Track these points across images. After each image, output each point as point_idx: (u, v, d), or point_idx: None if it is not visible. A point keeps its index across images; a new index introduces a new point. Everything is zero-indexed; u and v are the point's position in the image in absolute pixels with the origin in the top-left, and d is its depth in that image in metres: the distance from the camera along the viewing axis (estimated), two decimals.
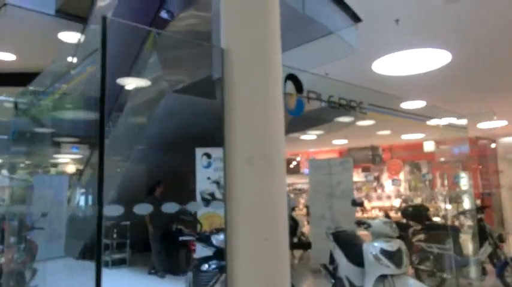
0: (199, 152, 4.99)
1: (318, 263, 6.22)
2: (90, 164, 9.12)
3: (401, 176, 13.51)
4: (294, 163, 14.14)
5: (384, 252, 3.25)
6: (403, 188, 13.23)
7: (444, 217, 7.89)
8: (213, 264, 2.72)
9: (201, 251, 4.75)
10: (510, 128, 9.76)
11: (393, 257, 3.22)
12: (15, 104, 3.04)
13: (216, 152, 5.02)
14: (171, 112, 6.59)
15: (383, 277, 3.24)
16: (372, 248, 3.34)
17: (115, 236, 7.72)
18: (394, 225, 3.48)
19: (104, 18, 1.58)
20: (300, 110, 3.63)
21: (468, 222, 5.67)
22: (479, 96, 6.65)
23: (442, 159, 12.37)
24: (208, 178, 4.93)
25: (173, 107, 6.54)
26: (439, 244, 4.94)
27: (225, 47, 1.82)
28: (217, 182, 4.96)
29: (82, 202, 8.49)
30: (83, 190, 8.57)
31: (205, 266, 2.71)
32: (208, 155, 4.96)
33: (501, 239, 4.69)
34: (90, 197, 7.98)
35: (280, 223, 1.80)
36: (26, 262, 4.51)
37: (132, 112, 7.15)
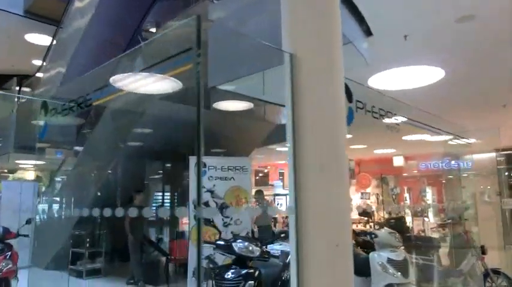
0: (192, 160, 4.90)
1: None
2: (62, 171, 8.66)
3: (369, 190, 13.96)
4: (260, 175, 14.17)
5: (390, 261, 3.34)
6: (369, 201, 13.66)
7: (422, 230, 8.24)
8: (236, 272, 2.66)
9: (195, 260, 4.63)
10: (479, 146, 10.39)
11: (399, 266, 3.31)
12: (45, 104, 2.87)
13: (210, 161, 4.96)
14: (155, 120, 6.45)
15: (389, 286, 3.33)
16: (378, 257, 3.42)
17: (88, 245, 7.35)
18: (398, 235, 3.59)
19: (199, 17, 1.54)
20: (351, 119, 3.59)
21: (447, 234, 5.94)
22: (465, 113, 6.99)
23: (406, 174, 12.99)
24: (203, 187, 4.85)
25: (157, 114, 6.42)
26: (421, 256, 5.14)
27: (293, 53, 1.83)
28: (211, 191, 4.91)
29: (53, 210, 8.03)
30: (54, 197, 8.11)
31: (228, 275, 2.65)
32: (203, 164, 4.88)
33: (483, 251, 4.94)
34: (63, 204, 7.56)
35: (347, 228, 1.82)
36: (13, 271, 4.19)
37: (112, 118, 6.91)
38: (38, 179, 13.95)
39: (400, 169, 12.46)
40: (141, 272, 6.35)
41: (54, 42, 8.96)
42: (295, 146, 1.77)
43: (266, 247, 2.88)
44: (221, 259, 4.70)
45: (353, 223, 10.93)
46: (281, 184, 13.94)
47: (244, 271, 2.67)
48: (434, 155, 12.66)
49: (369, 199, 13.36)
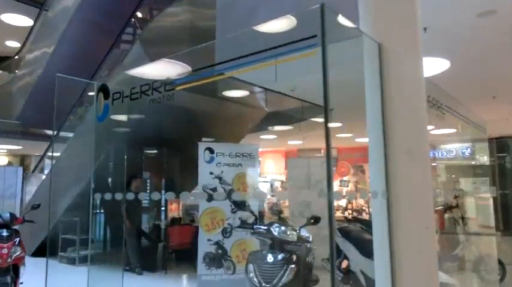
0: (201, 146, 4.90)
1: None
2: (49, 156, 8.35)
3: (346, 178, 14.40)
4: None
5: None
6: (347, 189, 14.10)
7: None
8: (277, 256, 2.74)
9: (205, 246, 4.70)
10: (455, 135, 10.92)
11: None
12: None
13: (218, 147, 4.98)
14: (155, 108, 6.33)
15: None
16: None
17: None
18: None
19: (323, 5, 1.58)
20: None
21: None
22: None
23: None
24: (211, 173, 4.89)
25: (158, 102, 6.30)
26: None
27: (380, 42, 1.91)
28: (219, 177, 4.95)
29: (40, 195, 7.76)
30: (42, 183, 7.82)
31: (270, 259, 2.72)
32: (211, 150, 4.91)
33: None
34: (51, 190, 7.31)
35: (432, 211, 1.94)
36: (22, 257, 4.08)
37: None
38: (9, 164, 13.34)
39: None
40: (137, 259, 6.32)
41: (38, 23, 8.54)
42: (385, 131, 1.87)
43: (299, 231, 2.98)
44: (229, 244, 4.80)
45: (337, 209, 11.34)
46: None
47: (285, 255, 2.76)
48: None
49: (347, 186, 13.81)
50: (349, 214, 11.43)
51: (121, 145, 5.52)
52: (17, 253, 4.14)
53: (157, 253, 6.67)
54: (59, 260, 7.23)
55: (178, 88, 2.60)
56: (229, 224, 4.83)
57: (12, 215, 4.35)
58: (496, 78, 5.70)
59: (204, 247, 4.72)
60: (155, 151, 7.47)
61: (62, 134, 8.64)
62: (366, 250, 4.11)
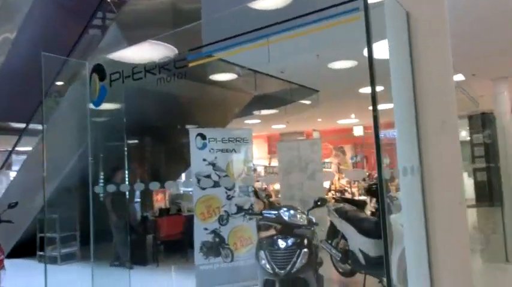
0: (192, 132, 4.67)
1: None
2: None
3: (328, 159, 14.49)
4: None
5: None
6: (330, 170, 14.20)
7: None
8: (288, 241, 2.60)
9: (202, 236, 4.51)
10: None
11: None
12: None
13: (210, 133, 4.76)
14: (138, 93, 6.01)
15: None
16: (399, 219, 3.55)
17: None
18: None
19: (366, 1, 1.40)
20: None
21: None
22: None
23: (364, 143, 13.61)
24: (204, 160, 4.68)
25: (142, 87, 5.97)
26: None
27: (409, 11, 1.75)
28: (213, 164, 4.74)
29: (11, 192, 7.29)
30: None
31: (282, 244, 2.58)
32: (203, 136, 4.68)
33: None
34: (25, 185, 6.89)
35: (462, 186, 1.84)
36: (1, 261, 3.76)
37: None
38: None
39: (360, 139, 13.01)
40: (126, 253, 6.06)
41: None
42: (417, 104, 1.72)
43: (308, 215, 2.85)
44: (226, 232, 4.63)
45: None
46: None
47: (297, 240, 2.63)
48: (390, 125, 13.44)
49: (330, 168, 13.89)
50: (332, 194, 11.53)
51: (107, 133, 5.21)
52: None
53: (147, 246, 6.43)
54: (38, 260, 6.86)
55: (191, 64, 2.37)
56: (225, 211, 4.66)
57: None
58: (476, 56, 5.75)
59: (201, 236, 4.53)
60: (138, 140, 7.13)
61: (31, 126, 8.15)
62: (364, 228, 4.07)
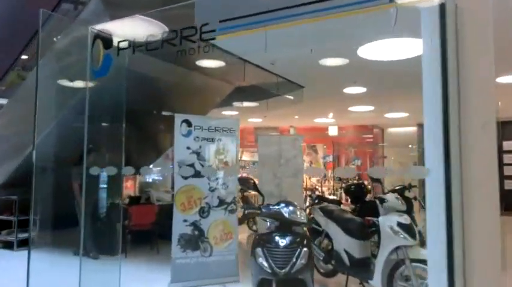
0: (178, 118, 4.40)
1: None
2: None
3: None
4: None
5: (400, 225, 3.44)
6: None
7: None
8: (289, 239, 2.43)
9: (180, 227, 4.28)
10: (406, 119, 11.38)
11: (409, 229, 3.44)
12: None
13: (196, 120, 4.52)
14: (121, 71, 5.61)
15: (396, 248, 3.45)
16: (388, 221, 3.51)
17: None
18: (403, 200, 3.73)
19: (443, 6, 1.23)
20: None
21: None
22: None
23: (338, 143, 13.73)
24: (188, 148, 4.43)
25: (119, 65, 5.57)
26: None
27: (458, 4, 1.61)
28: (197, 153, 4.50)
29: None
30: None
31: (283, 242, 2.40)
32: (189, 123, 4.43)
33: None
34: None
35: (497, 191, 1.72)
36: None
37: (57, 60, 5.84)
38: None
39: (332, 138, 13.10)
40: (93, 242, 5.69)
41: None
42: (461, 102, 1.59)
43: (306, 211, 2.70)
44: (206, 225, 4.42)
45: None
46: None
47: (296, 238, 2.47)
48: (364, 128, 13.66)
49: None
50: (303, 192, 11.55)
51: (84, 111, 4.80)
52: None
53: (115, 235, 6.06)
54: None
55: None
56: (206, 203, 4.44)
57: None
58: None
59: (179, 228, 4.29)
60: (111, 122, 6.70)
61: None
62: (350, 229, 4.01)
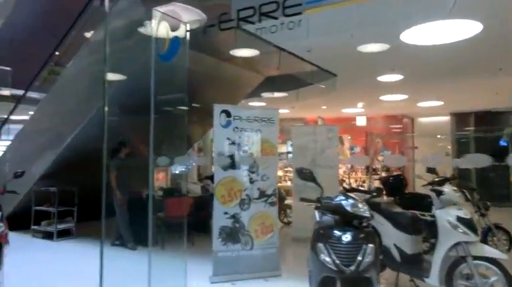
0: (217, 108, 4.29)
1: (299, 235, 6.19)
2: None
3: None
4: None
5: (460, 219, 3.24)
6: None
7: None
8: (353, 234, 2.29)
9: (221, 220, 4.19)
10: (442, 108, 10.96)
11: (469, 224, 3.24)
12: None
13: (236, 111, 4.40)
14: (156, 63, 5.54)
15: (456, 244, 3.25)
16: (447, 215, 3.31)
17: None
18: (461, 193, 3.51)
19: None
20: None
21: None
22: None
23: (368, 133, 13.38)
24: (228, 139, 4.32)
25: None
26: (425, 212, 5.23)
27: None
28: (236, 144, 4.39)
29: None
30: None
31: (347, 237, 2.27)
32: (228, 113, 4.31)
33: (486, 207, 5.20)
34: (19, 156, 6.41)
35: None
36: (5, 234, 3.38)
37: (97, 49, 5.81)
38: None
39: (362, 129, 12.79)
40: (130, 233, 5.71)
41: None
42: None
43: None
44: (247, 218, 4.31)
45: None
46: None
47: (361, 234, 2.33)
48: (393, 118, 13.26)
49: None
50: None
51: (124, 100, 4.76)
52: (1, 230, 3.42)
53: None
54: (32, 235, 6.45)
55: None
56: (247, 195, 4.34)
57: None
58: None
59: (220, 220, 4.21)
60: (142, 114, 6.66)
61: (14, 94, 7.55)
62: (399, 223, 3.83)
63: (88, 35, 6.70)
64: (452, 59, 5.95)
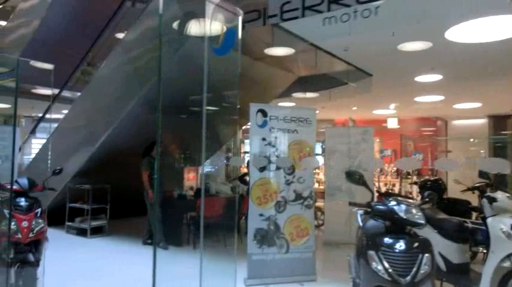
0: (253, 107, 4.21)
1: (331, 238, 6.03)
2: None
3: None
4: None
5: None
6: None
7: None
8: (408, 242, 2.15)
9: (257, 222, 4.11)
10: (479, 110, 10.50)
11: None
12: None
13: (272, 110, 4.30)
14: (190, 61, 5.53)
15: (509, 255, 3.03)
16: (500, 224, 3.10)
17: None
18: None
19: None
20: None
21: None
22: None
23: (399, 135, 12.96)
24: (263, 139, 4.23)
25: (193, 55, 5.48)
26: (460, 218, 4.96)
27: None
28: (272, 145, 4.30)
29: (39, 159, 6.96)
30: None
31: (400, 245, 2.13)
32: (264, 113, 4.22)
33: None
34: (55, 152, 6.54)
35: None
36: (44, 231, 3.42)
37: (131, 48, 5.86)
38: None
39: (393, 131, 12.43)
40: (161, 232, 5.71)
41: None
42: None
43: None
44: (282, 220, 4.21)
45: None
46: None
47: (415, 242, 2.19)
48: (426, 120, 12.81)
49: None
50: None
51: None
52: (40, 227, 3.45)
53: (182, 226, 6.06)
54: (66, 231, 6.58)
55: None
56: (282, 197, 4.24)
57: (30, 181, 3.62)
58: None
59: (256, 222, 4.12)
60: (173, 113, 6.66)
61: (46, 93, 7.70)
62: (445, 230, 3.62)
63: (120, 35, 6.80)
64: (501, 58, 5.63)
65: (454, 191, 6.51)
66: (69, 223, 6.52)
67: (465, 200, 5.86)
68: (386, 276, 2.10)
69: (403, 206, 2.30)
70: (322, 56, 5.89)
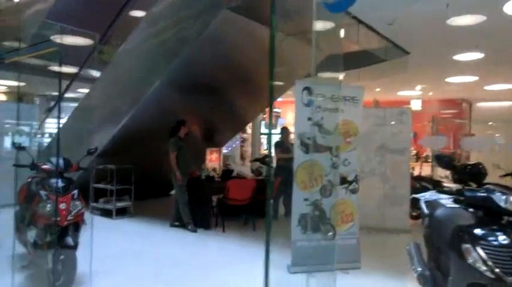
0: (299, 85, 3.91)
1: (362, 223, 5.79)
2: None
3: None
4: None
5: None
6: None
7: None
8: (509, 235, 1.89)
9: (301, 207, 3.87)
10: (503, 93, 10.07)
11: None
12: None
13: (318, 88, 3.99)
14: (218, 36, 5.21)
15: None
16: None
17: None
18: None
19: None
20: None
21: None
22: None
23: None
24: (309, 119, 3.95)
25: (223, 30, 5.16)
26: None
27: None
28: (318, 125, 4.01)
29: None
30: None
31: (505, 239, 1.86)
32: (310, 91, 3.92)
33: None
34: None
35: None
36: (82, 214, 3.23)
37: (156, 27, 5.54)
38: None
39: (415, 113, 12.03)
40: (190, 215, 5.52)
41: None
42: None
43: None
44: (328, 205, 3.97)
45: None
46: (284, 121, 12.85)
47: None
48: (451, 102, 12.38)
49: None
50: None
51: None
52: (78, 209, 3.26)
53: (210, 209, 5.86)
54: (90, 211, 6.42)
55: None
56: (329, 181, 3.99)
57: (66, 160, 3.41)
58: None
59: (300, 207, 3.89)
60: (193, 92, 6.37)
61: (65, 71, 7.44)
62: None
63: (138, 13, 6.46)
64: None
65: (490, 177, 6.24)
66: (94, 204, 6.35)
67: (506, 185, 5.57)
68: (489, 273, 1.86)
69: (500, 194, 2.03)
70: (358, 32, 5.53)
